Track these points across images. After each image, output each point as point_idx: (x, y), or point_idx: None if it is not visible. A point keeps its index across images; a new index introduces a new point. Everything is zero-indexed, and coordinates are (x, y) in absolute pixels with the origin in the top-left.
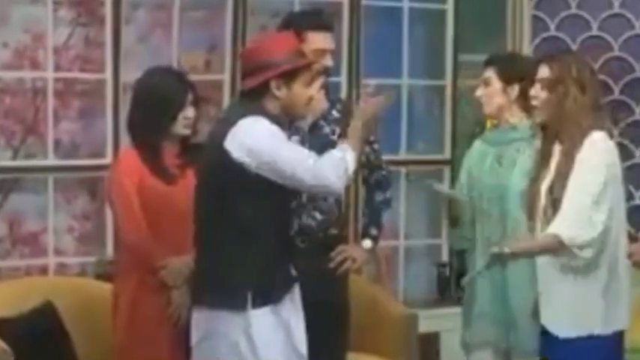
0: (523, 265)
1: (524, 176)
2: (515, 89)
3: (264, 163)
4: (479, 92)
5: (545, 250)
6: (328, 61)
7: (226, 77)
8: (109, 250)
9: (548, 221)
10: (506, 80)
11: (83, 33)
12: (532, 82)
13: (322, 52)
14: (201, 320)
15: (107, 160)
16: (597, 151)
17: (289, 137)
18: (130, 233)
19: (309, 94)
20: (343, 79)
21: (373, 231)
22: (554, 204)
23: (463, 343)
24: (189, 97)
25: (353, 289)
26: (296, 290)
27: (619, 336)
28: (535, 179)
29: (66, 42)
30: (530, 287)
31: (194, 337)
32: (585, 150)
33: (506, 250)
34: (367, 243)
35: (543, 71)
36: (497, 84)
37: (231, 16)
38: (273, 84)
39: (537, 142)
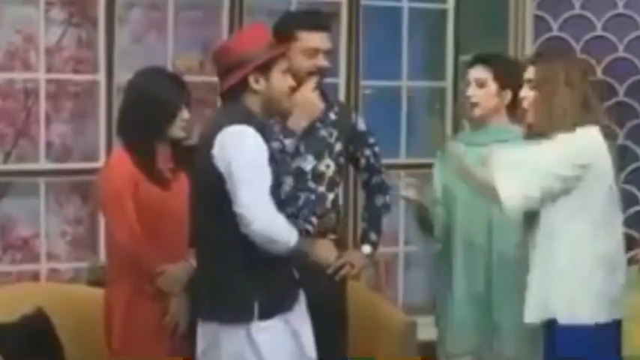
0: (508, 271)
1: None
2: (508, 94)
3: (231, 182)
4: (472, 92)
5: (479, 184)
6: (321, 62)
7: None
8: (102, 255)
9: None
10: (502, 84)
11: (76, 33)
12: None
13: (315, 52)
14: (206, 332)
15: (100, 163)
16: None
17: (282, 140)
18: (125, 239)
19: (289, 84)
20: (341, 80)
21: (373, 236)
22: None
23: (443, 351)
24: (184, 99)
25: (351, 296)
26: (301, 295)
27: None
28: None
29: (58, 43)
30: (516, 294)
31: (199, 346)
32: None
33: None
34: (366, 248)
35: (530, 72)
36: (493, 86)
37: (227, 15)
38: (251, 78)
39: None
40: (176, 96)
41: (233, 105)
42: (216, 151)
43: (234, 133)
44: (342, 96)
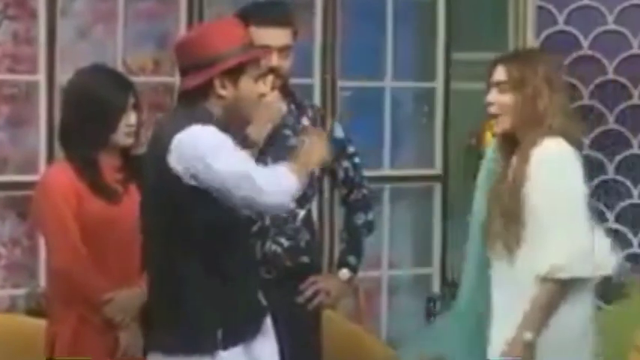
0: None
1: None
2: None
3: (207, 178)
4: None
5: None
6: (273, 61)
7: (178, 80)
8: (42, 280)
9: (497, 234)
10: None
11: (12, 28)
12: None
13: (266, 50)
14: None
15: (39, 176)
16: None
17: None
18: (67, 262)
19: (259, 91)
20: (316, 81)
21: (352, 259)
22: (505, 213)
23: None
24: (131, 100)
25: (328, 328)
26: (268, 322)
27: None
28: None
29: None
30: None
31: None
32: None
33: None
34: (344, 273)
35: (500, 73)
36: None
37: (186, 7)
38: (217, 82)
39: None
40: (120, 97)
41: (193, 107)
42: (173, 158)
43: (194, 130)
44: (316, 99)
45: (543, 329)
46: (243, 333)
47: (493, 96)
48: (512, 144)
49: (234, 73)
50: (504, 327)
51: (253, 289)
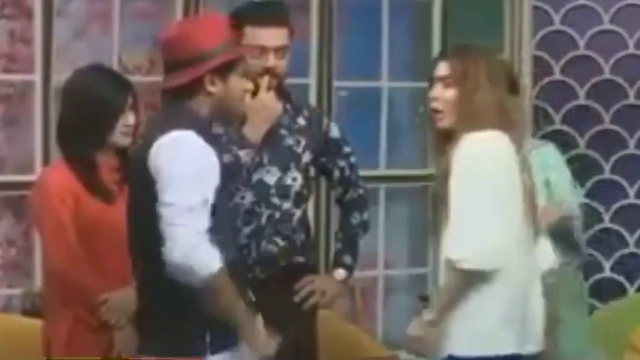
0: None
1: None
2: None
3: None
4: (437, 93)
5: (448, 294)
6: (269, 62)
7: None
8: (38, 280)
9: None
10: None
11: (8, 27)
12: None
13: (261, 51)
14: None
15: (35, 176)
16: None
17: (236, 152)
18: (63, 263)
19: (245, 87)
20: (312, 81)
21: (347, 259)
22: (434, 202)
23: None
24: (129, 100)
25: (324, 328)
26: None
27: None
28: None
29: None
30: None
31: None
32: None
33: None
34: (340, 273)
35: (443, 68)
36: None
37: (182, 6)
38: (206, 79)
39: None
40: (118, 97)
41: (177, 106)
42: (151, 159)
43: (172, 138)
44: (312, 99)
45: (457, 317)
46: (232, 336)
47: (437, 91)
48: (449, 139)
49: (224, 70)
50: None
51: (240, 289)
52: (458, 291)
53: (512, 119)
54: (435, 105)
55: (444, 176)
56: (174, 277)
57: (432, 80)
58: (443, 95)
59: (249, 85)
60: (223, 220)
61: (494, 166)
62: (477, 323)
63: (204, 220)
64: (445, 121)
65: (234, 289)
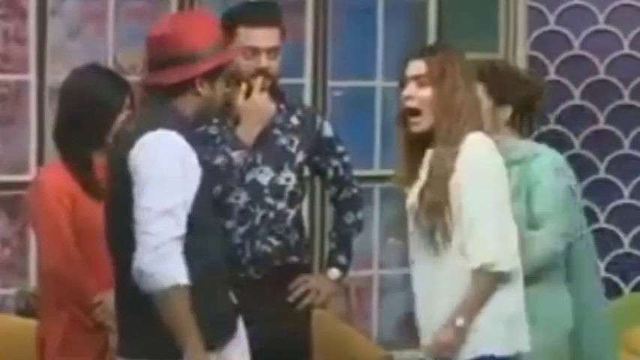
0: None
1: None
2: (507, 110)
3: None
4: (412, 92)
5: (479, 299)
6: (262, 63)
7: None
8: (33, 280)
9: (425, 232)
10: (498, 99)
11: (2, 27)
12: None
13: (254, 52)
14: None
15: (30, 176)
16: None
17: (229, 153)
18: (59, 264)
19: (225, 90)
20: (307, 81)
21: (342, 259)
22: (432, 208)
23: None
24: (127, 100)
25: (319, 328)
26: (240, 325)
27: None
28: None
29: None
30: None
31: None
32: (473, 153)
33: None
34: (334, 273)
35: (417, 67)
36: (485, 102)
37: (177, 5)
38: (197, 80)
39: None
40: (116, 97)
41: (163, 105)
42: (132, 158)
43: (154, 137)
44: (307, 98)
45: (492, 318)
46: (215, 337)
47: (412, 90)
48: (424, 143)
49: (214, 73)
50: (430, 318)
51: (223, 292)
52: (487, 294)
53: (481, 119)
54: (410, 104)
55: (442, 180)
56: (137, 282)
57: (403, 80)
58: (418, 94)
59: (226, 89)
60: (212, 222)
61: (502, 167)
62: (513, 322)
63: (181, 224)
64: (424, 124)
65: (189, 311)
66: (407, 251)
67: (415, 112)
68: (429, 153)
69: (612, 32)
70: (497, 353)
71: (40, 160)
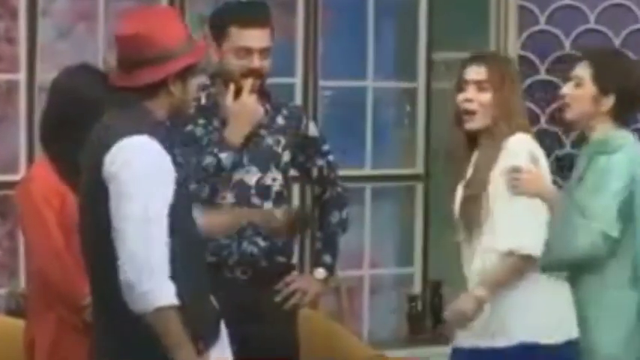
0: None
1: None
2: (610, 100)
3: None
4: (472, 95)
5: (503, 276)
6: (254, 63)
7: None
8: (23, 280)
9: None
10: (602, 87)
11: None
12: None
13: (246, 52)
14: None
15: (20, 175)
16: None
17: (217, 154)
18: (48, 265)
19: (194, 91)
20: (298, 80)
21: (327, 258)
22: (469, 199)
23: None
24: None
25: (309, 327)
26: (222, 328)
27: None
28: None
29: None
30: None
31: None
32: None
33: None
34: (320, 272)
35: (478, 72)
36: (589, 88)
37: (167, 5)
38: (170, 79)
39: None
40: (105, 97)
41: (135, 107)
42: (107, 164)
43: (130, 143)
44: (298, 98)
45: (531, 307)
46: (203, 343)
47: (472, 94)
48: (474, 139)
49: (185, 72)
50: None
51: (206, 296)
52: (514, 274)
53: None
54: (469, 106)
55: (484, 171)
56: (126, 299)
57: (461, 84)
58: (478, 98)
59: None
60: (192, 224)
61: (544, 162)
62: (558, 310)
63: (164, 232)
64: (477, 122)
65: (181, 327)
66: (397, 251)
67: (471, 113)
68: (475, 154)
69: (603, 32)
70: (543, 341)
71: (30, 160)
